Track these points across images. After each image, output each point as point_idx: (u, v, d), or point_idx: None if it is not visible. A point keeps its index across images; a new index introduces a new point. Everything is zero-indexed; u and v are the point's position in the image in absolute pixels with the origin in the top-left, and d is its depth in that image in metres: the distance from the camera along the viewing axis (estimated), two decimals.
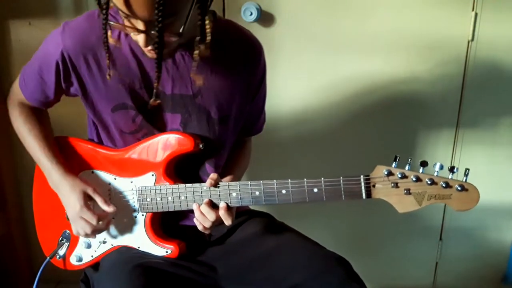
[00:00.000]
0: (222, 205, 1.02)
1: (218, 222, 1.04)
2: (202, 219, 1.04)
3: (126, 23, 0.88)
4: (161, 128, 1.09)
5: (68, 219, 1.12)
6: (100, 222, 1.07)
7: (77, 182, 1.09)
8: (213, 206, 1.04)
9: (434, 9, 1.61)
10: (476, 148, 1.75)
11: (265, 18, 1.64)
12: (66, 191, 1.09)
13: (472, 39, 1.63)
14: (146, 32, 0.86)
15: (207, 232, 1.06)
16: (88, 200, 1.08)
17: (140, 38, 0.88)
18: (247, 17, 1.60)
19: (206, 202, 1.03)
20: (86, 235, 1.09)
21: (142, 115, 1.07)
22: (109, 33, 0.95)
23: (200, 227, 1.05)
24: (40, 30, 1.65)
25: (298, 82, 1.71)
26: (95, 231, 1.08)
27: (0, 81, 1.72)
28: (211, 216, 1.03)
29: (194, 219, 1.05)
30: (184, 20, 0.87)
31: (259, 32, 1.63)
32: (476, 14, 1.60)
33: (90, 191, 1.08)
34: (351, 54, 1.67)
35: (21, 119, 1.15)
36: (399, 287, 1.96)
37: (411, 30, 1.63)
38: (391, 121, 1.75)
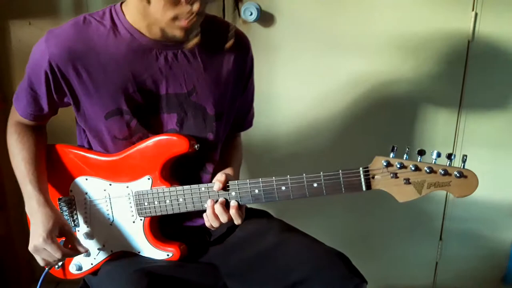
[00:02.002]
0: (233, 204, 1.02)
1: (228, 222, 1.04)
2: (213, 218, 1.03)
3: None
4: (157, 130, 1.08)
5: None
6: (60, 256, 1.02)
7: (56, 214, 1.05)
8: (226, 206, 1.03)
9: (434, 9, 1.61)
10: (476, 148, 1.75)
11: (265, 18, 1.64)
12: (39, 219, 1.03)
13: (472, 39, 1.63)
14: None
15: (212, 228, 1.06)
16: (56, 235, 1.03)
17: (197, 4, 0.94)
18: (247, 17, 1.60)
19: (221, 202, 1.03)
20: (44, 265, 1.05)
21: (136, 118, 1.06)
22: (104, 31, 1.00)
23: (207, 224, 1.05)
24: (40, 30, 1.64)
25: (298, 81, 1.70)
26: (52, 263, 1.05)
27: (0, 81, 1.72)
28: (223, 217, 1.02)
29: (204, 215, 1.05)
30: None
31: (259, 32, 1.63)
32: (476, 14, 1.60)
33: (66, 228, 1.05)
34: (351, 54, 1.66)
35: (13, 138, 1.11)
36: (399, 287, 1.96)
37: (412, 30, 1.63)
38: (391, 121, 1.74)
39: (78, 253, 1.06)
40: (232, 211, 1.02)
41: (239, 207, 1.03)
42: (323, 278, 1.02)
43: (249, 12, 1.60)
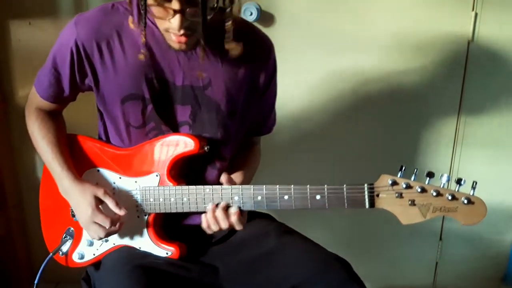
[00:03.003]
0: (234, 210, 1.02)
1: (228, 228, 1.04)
2: (213, 221, 1.03)
3: (158, 9, 0.91)
4: (170, 121, 1.09)
5: (75, 220, 1.12)
6: (112, 226, 1.06)
7: (87, 186, 1.08)
8: (227, 210, 1.02)
9: (434, 9, 1.61)
10: (476, 149, 1.75)
11: (265, 18, 1.64)
12: (77, 197, 1.07)
13: (472, 39, 1.63)
14: (182, 11, 0.89)
15: (208, 231, 1.06)
16: (99, 204, 1.07)
17: (175, 20, 0.90)
18: (247, 17, 1.60)
19: (222, 207, 1.02)
20: (100, 239, 1.08)
21: (152, 104, 1.07)
22: (130, 18, 1.01)
23: (204, 225, 1.05)
24: (40, 30, 1.64)
25: (298, 82, 1.70)
26: (109, 234, 1.07)
27: (0, 81, 1.72)
28: (224, 223, 1.02)
29: (202, 216, 1.05)
30: None
31: None
32: (476, 14, 1.60)
33: (100, 194, 1.07)
34: (351, 54, 1.67)
35: (36, 124, 1.14)
36: (399, 287, 1.96)
37: (412, 30, 1.63)
38: (391, 122, 1.75)
39: (120, 216, 1.07)
40: (234, 218, 1.02)
41: (241, 213, 1.02)
42: (322, 282, 1.02)
43: (249, 12, 1.60)
